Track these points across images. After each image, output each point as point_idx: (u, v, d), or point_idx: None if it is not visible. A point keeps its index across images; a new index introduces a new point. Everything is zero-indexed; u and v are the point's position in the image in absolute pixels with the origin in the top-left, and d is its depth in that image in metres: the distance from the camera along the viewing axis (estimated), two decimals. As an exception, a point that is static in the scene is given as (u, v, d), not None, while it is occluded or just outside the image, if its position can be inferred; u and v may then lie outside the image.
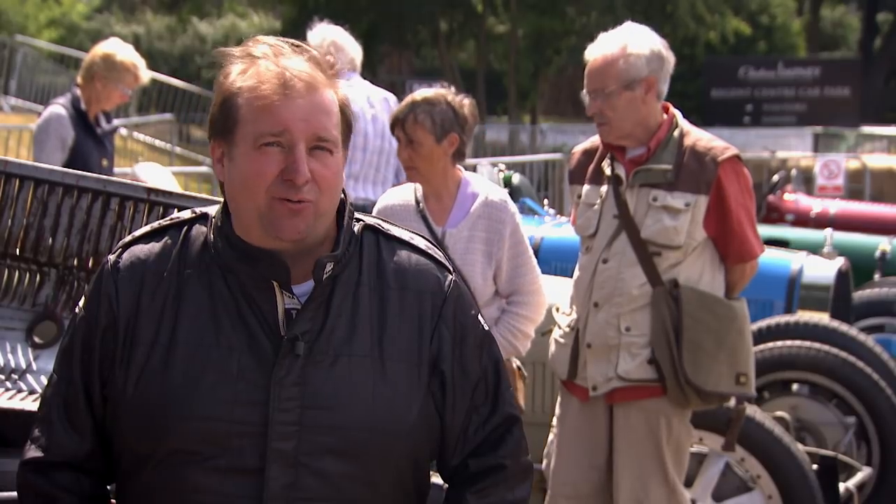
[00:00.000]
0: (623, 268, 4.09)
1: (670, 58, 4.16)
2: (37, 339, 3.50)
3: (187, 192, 3.59)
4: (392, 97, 6.33)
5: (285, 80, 2.10)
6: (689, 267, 4.09)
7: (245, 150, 2.10)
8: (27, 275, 3.51)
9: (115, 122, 6.48)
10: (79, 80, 6.19)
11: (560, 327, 4.31)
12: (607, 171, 4.18)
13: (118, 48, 6.17)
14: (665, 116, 4.17)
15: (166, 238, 2.21)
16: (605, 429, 4.19)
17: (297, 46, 2.17)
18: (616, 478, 4.16)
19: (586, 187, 4.26)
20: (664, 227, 4.04)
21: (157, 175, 6.52)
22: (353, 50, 6.15)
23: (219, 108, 2.14)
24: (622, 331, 4.08)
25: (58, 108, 6.09)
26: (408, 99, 4.35)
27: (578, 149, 4.39)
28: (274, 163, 2.09)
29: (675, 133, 4.14)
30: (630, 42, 4.11)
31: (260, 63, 2.13)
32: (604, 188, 4.18)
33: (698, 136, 4.16)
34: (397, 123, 4.33)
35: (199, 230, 2.21)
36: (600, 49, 4.13)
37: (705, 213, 4.06)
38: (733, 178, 4.11)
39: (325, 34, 6.13)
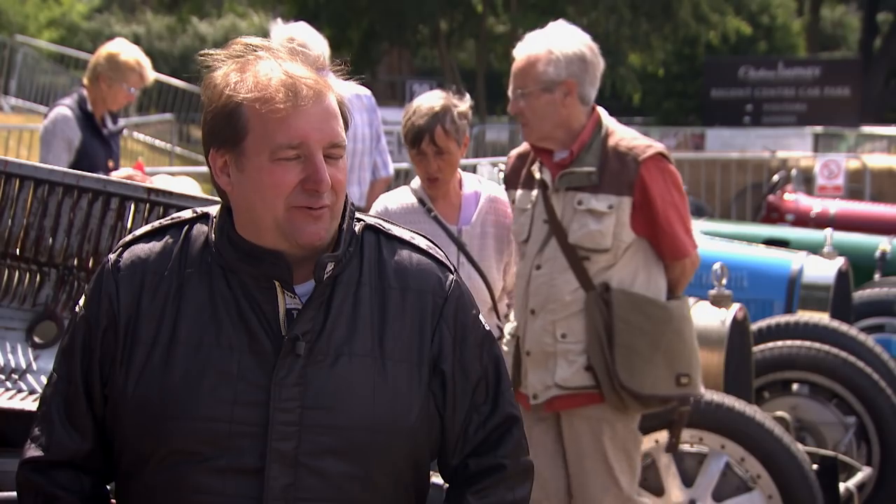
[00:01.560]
0: (555, 273, 4.05)
1: (596, 60, 4.09)
2: (37, 339, 3.50)
3: (188, 193, 3.58)
4: (364, 91, 6.24)
5: (295, 88, 2.08)
6: (622, 269, 4.03)
7: (260, 162, 2.08)
8: (27, 275, 3.50)
9: (120, 122, 6.46)
10: (85, 80, 6.18)
11: (504, 335, 4.29)
12: (537, 176, 4.15)
13: (123, 48, 6.16)
14: (592, 118, 4.09)
15: (167, 237, 2.20)
16: (544, 435, 4.16)
17: (288, 48, 2.15)
18: (572, 487, 4.15)
19: (519, 192, 4.23)
20: (589, 231, 3.99)
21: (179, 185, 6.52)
22: (320, 47, 6.00)
23: (223, 117, 2.11)
24: (558, 338, 4.05)
25: (64, 109, 6.07)
26: (424, 109, 4.24)
27: (514, 153, 4.36)
28: (293, 173, 2.08)
29: (601, 134, 4.07)
30: (552, 44, 4.05)
31: (259, 68, 2.10)
32: (535, 193, 4.15)
33: (622, 136, 4.08)
34: (424, 136, 4.23)
35: (200, 230, 2.20)
36: (525, 49, 4.09)
37: (631, 214, 4.00)
38: (657, 176, 4.03)
39: (285, 33, 5.98)
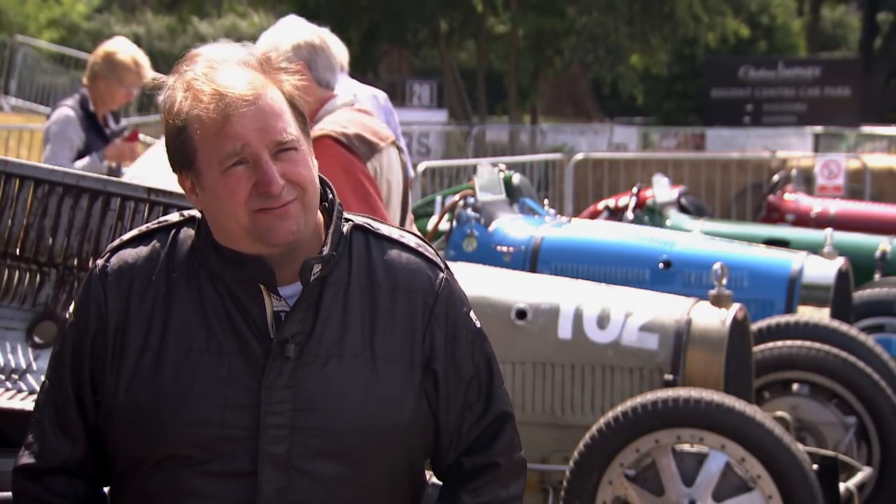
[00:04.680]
0: None
1: (327, 48, 4.23)
2: (37, 339, 3.49)
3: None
4: (382, 94, 6.28)
5: (223, 96, 2.08)
6: None
7: (212, 176, 2.09)
8: (27, 275, 3.50)
9: (122, 122, 6.46)
10: (84, 80, 6.18)
11: None
12: None
13: (119, 47, 6.15)
14: (319, 102, 4.21)
15: (154, 241, 2.20)
16: None
17: (227, 52, 2.15)
18: None
19: None
20: None
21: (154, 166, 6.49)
22: (339, 48, 6.12)
23: (173, 141, 2.13)
24: None
25: (67, 109, 6.06)
26: None
27: None
28: (244, 180, 2.08)
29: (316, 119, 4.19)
30: (281, 34, 4.22)
31: (195, 85, 2.11)
32: None
33: (323, 119, 4.17)
34: None
35: (188, 233, 2.20)
36: (260, 45, 4.23)
37: None
38: (319, 157, 4.11)
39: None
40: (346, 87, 6.04)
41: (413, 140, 20.23)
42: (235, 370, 2.10)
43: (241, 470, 2.08)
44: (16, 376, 3.42)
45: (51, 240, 3.47)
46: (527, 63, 27.50)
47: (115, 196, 3.45)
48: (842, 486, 4.95)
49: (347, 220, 2.23)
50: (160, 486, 2.11)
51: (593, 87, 32.37)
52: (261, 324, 2.12)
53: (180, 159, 2.13)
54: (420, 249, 2.24)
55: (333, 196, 2.21)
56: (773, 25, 33.87)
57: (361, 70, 25.94)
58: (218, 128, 2.07)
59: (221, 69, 2.12)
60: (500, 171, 7.71)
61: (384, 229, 2.25)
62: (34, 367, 3.45)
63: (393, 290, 2.18)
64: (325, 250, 2.14)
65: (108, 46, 6.14)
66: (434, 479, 2.30)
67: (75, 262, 3.49)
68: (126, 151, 5.79)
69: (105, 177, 3.56)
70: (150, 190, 3.47)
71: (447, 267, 2.26)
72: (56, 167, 3.58)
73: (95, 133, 6.06)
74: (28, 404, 3.25)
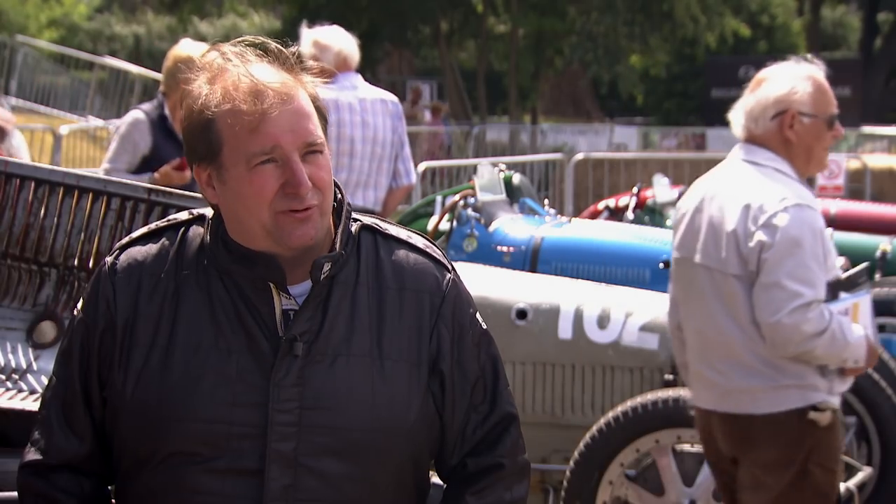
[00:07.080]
0: None
1: None
2: (37, 339, 3.50)
3: (187, 192, 3.58)
4: (391, 97, 6.28)
5: (261, 93, 2.06)
6: None
7: (238, 172, 2.08)
8: (27, 275, 3.50)
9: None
10: (162, 87, 6.11)
11: None
12: None
13: (197, 49, 6.09)
14: None
15: (163, 239, 2.20)
16: None
17: (256, 47, 2.13)
18: None
19: None
20: None
21: None
22: (346, 47, 6.09)
23: (198, 133, 2.11)
24: None
25: (138, 112, 6.02)
26: None
27: None
28: (272, 179, 2.07)
29: None
30: None
31: (228, 77, 2.09)
32: None
33: None
34: None
35: (196, 231, 2.20)
36: None
37: None
38: None
39: (308, 37, 6.09)
40: (349, 93, 6.04)
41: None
42: (244, 368, 2.10)
43: (248, 467, 2.09)
44: (16, 376, 3.42)
45: (51, 240, 3.48)
46: (527, 63, 27.53)
47: (115, 196, 3.45)
48: (842, 486, 4.95)
49: (356, 220, 2.23)
50: (166, 483, 2.11)
51: (593, 87, 32.43)
52: (270, 322, 2.12)
53: (202, 151, 2.11)
54: (427, 250, 2.25)
55: (342, 196, 2.21)
56: (773, 25, 33.86)
57: (361, 70, 25.95)
58: (253, 125, 2.06)
59: (254, 64, 2.10)
60: (501, 171, 7.71)
61: (392, 230, 2.25)
62: (34, 367, 3.45)
63: (400, 290, 2.19)
64: (336, 249, 2.15)
65: (184, 52, 6.02)
66: (436, 480, 2.31)
67: (75, 262, 3.49)
68: (175, 178, 5.75)
69: (105, 177, 3.57)
70: (150, 190, 3.47)
71: (454, 268, 2.27)
72: (56, 168, 3.59)
73: (166, 136, 5.97)
74: (28, 404, 3.25)
